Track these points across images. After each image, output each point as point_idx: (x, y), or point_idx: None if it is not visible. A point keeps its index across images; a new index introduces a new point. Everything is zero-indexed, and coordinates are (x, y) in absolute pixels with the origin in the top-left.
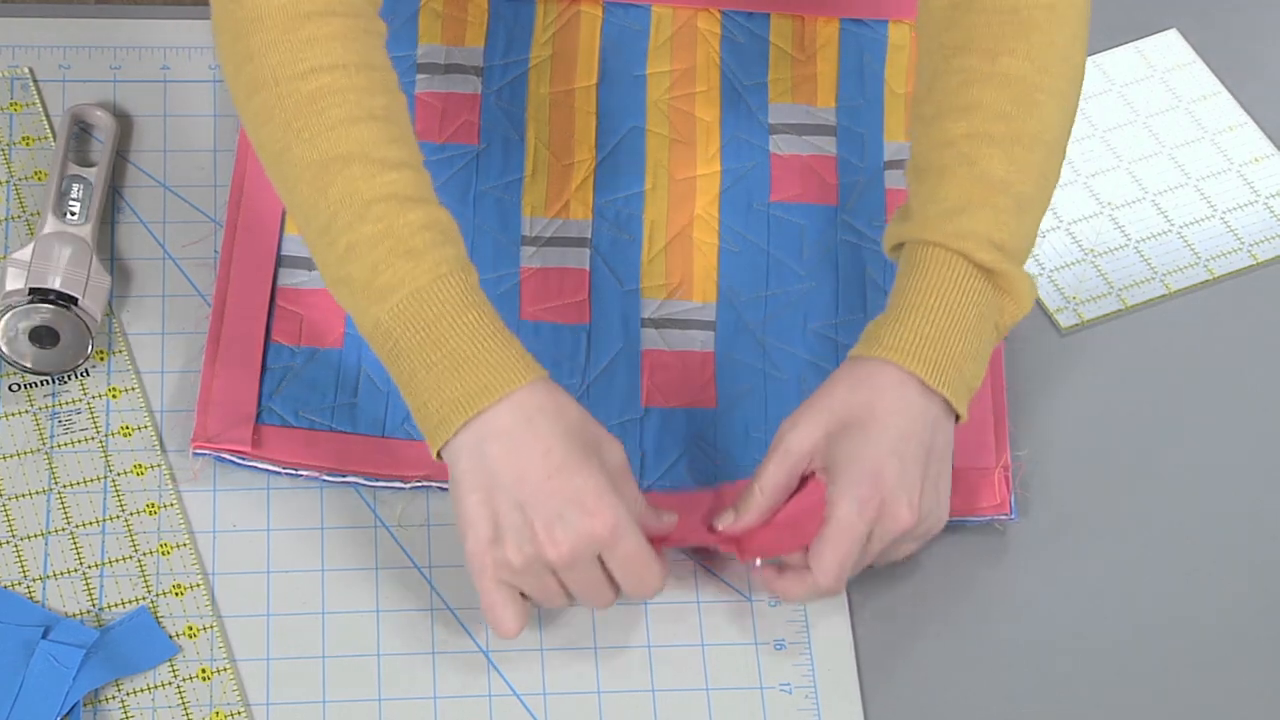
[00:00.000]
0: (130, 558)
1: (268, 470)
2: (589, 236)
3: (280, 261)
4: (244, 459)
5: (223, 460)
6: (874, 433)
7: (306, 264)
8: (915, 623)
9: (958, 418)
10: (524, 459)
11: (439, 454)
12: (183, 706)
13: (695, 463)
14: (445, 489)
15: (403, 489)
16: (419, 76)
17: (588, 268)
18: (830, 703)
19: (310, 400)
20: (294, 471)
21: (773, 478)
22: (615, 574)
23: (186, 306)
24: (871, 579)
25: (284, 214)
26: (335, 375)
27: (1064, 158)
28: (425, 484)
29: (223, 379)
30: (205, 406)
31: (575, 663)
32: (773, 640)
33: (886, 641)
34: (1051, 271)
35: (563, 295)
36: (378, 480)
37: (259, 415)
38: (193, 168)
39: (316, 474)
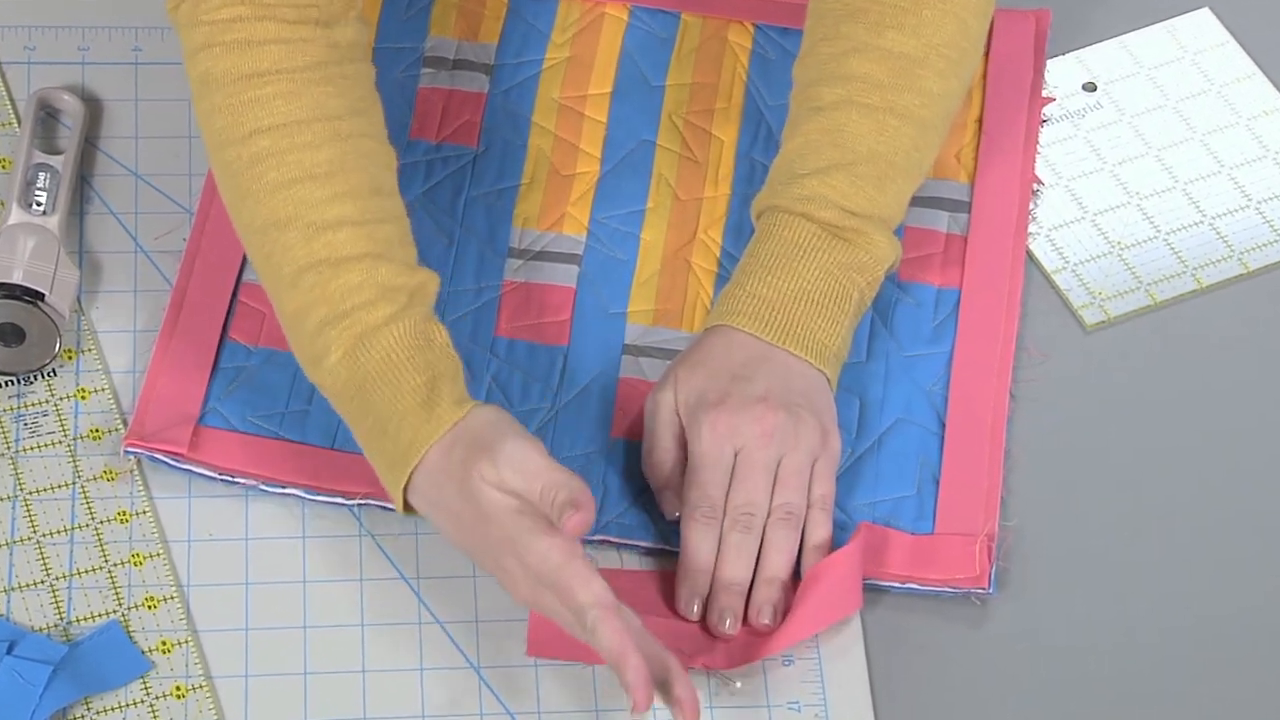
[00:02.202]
0: (100, 568)
1: (202, 475)
2: (580, 254)
3: (248, 257)
4: (178, 461)
5: (156, 461)
6: (713, 365)
7: None
8: (929, 634)
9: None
10: (443, 521)
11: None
12: None
13: (655, 504)
14: (389, 508)
15: (344, 505)
16: (424, 70)
17: (574, 286)
18: None
19: (260, 404)
20: (230, 478)
21: (658, 441)
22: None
23: (159, 302)
24: (883, 605)
25: None
26: (290, 380)
27: (943, 138)
28: (368, 502)
29: (170, 375)
30: (147, 403)
31: (571, 681)
32: (785, 702)
33: (900, 656)
34: (1076, 265)
35: (544, 313)
36: (319, 494)
37: (202, 416)
38: (166, 155)
39: (254, 482)
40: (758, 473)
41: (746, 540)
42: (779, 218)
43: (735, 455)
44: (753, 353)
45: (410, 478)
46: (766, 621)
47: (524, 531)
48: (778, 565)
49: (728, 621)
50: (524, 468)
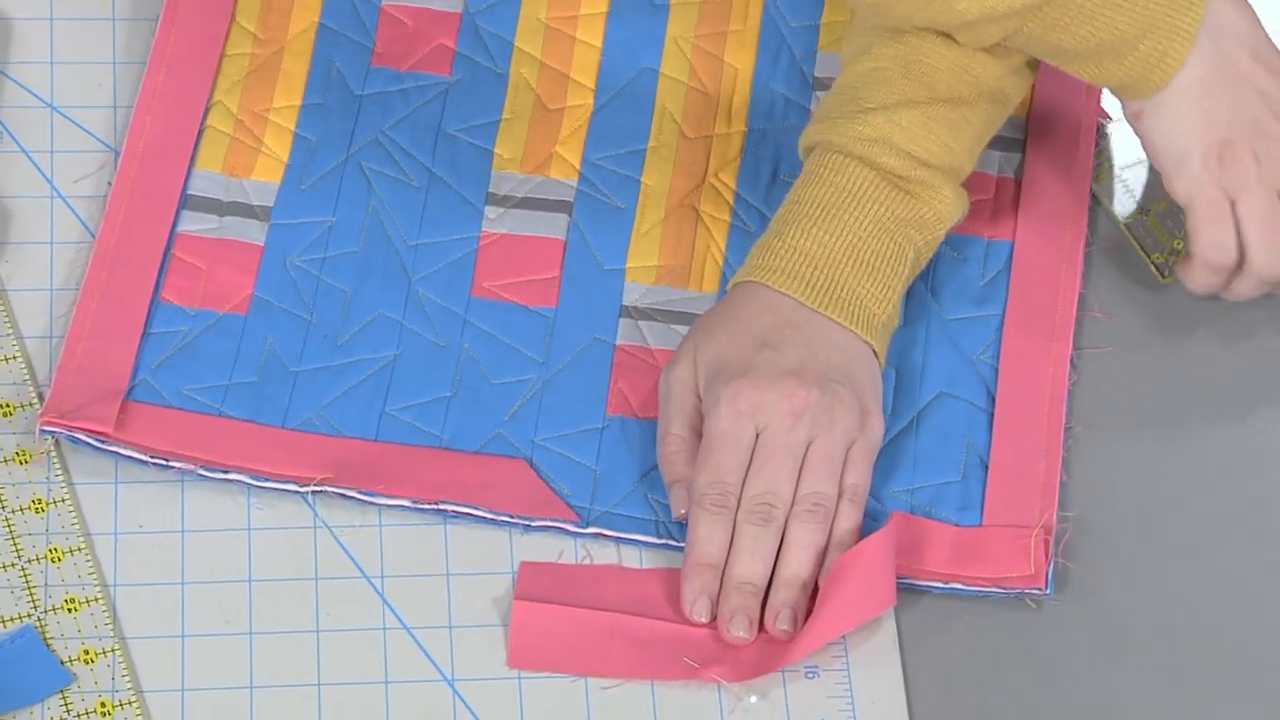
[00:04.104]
0: (13, 565)
1: (130, 459)
2: (570, 201)
3: (185, 202)
4: (102, 441)
5: (76, 442)
6: (737, 330)
7: (217, 206)
8: (975, 642)
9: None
10: None
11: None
12: None
13: (658, 490)
14: (350, 495)
15: (296, 493)
16: None
17: (563, 238)
18: None
19: (200, 376)
20: (163, 462)
21: (670, 427)
22: None
23: (80, 256)
24: (921, 607)
25: (198, 142)
26: (235, 348)
27: (1030, 83)
28: (325, 489)
29: (94, 342)
30: (66, 374)
31: (557, 696)
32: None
33: (941, 667)
34: (1150, 211)
35: (528, 270)
36: (267, 480)
37: (131, 390)
38: (87, 84)
39: (191, 467)
40: (781, 457)
41: (764, 534)
42: (832, 159)
43: (756, 436)
44: (786, 316)
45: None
46: (785, 628)
47: None
48: (800, 563)
49: (740, 626)
50: None
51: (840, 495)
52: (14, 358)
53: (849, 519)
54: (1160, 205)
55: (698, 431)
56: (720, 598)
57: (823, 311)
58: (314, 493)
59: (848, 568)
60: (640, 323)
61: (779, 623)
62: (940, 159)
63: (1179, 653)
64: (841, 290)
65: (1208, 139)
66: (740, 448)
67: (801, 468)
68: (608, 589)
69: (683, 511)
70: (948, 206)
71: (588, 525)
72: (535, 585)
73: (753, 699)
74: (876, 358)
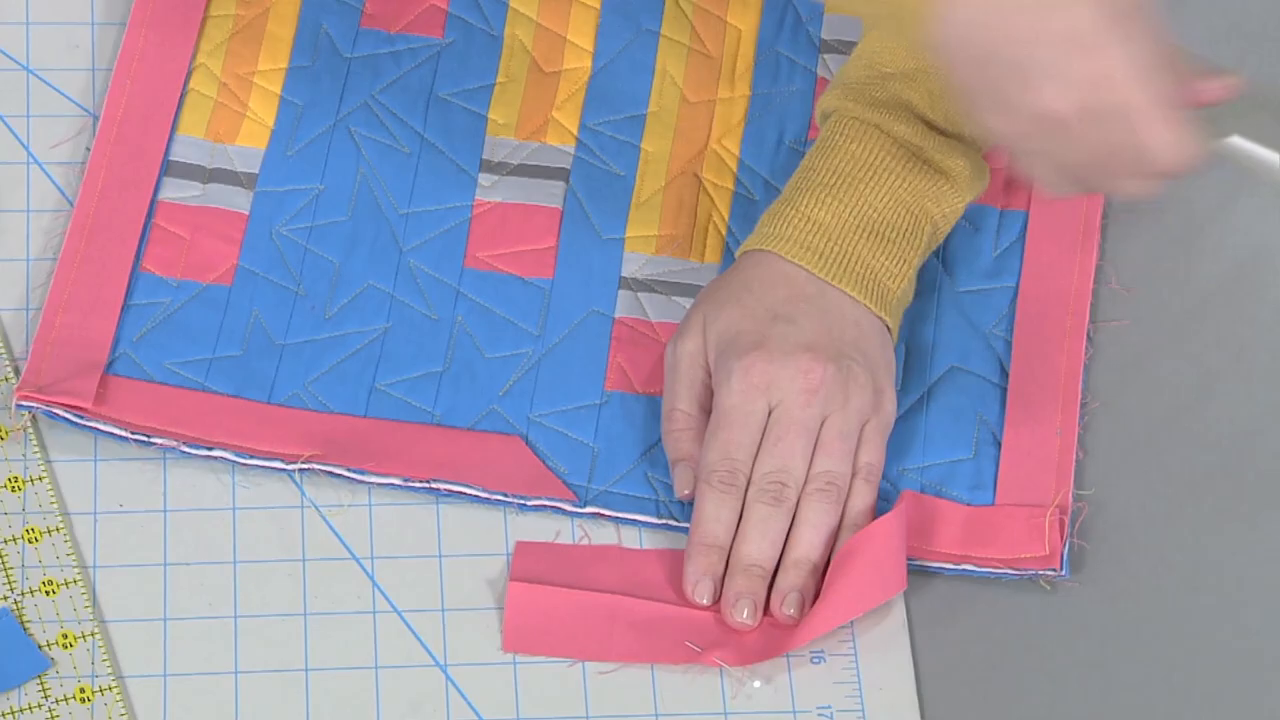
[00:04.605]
0: None
1: (110, 435)
2: (567, 168)
3: (166, 169)
4: (82, 417)
5: (54, 418)
6: (749, 302)
7: (201, 173)
8: (987, 626)
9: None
10: None
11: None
12: None
13: (658, 469)
14: (339, 474)
15: (283, 471)
16: None
17: (560, 207)
18: None
19: (182, 349)
20: (144, 439)
21: (676, 403)
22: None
23: (57, 225)
24: (931, 590)
25: (180, 106)
26: (219, 320)
27: None
28: (313, 466)
29: (72, 314)
30: (43, 347)
31: (555, 682)
32: (814, 706)
33: (952, 652)
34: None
35: (523, 240)
36: (252, 458)
37: (111, 364)
38: (65, 46)
39: (173, 443)
40: (795, 434)
41: (775, 514)
42: (848, 126)
43: (769, 412)
44: (800, 289)
45: None
46: (791, 613)
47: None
48: (810, 545)
49: (745, 610)
50: None
51: (854, 474)
52: None
53: (863, 498)
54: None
55: (705, 408)
56: (725, 580)
57: (836, 284)
58: (301, 471)
59: (856, 551)
60: (640, 295)
61: (785, 607)
62: (960, 127)
63: (1200, 638)
64: (855, 263)
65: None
66: (752, 424)
67: (815, 446)
68: (606, 570)
69: (687, 491)
70: (966, 180)
71: (586, 505)
72: (531, 566)
73: (756, 684)
74: (890, 333)
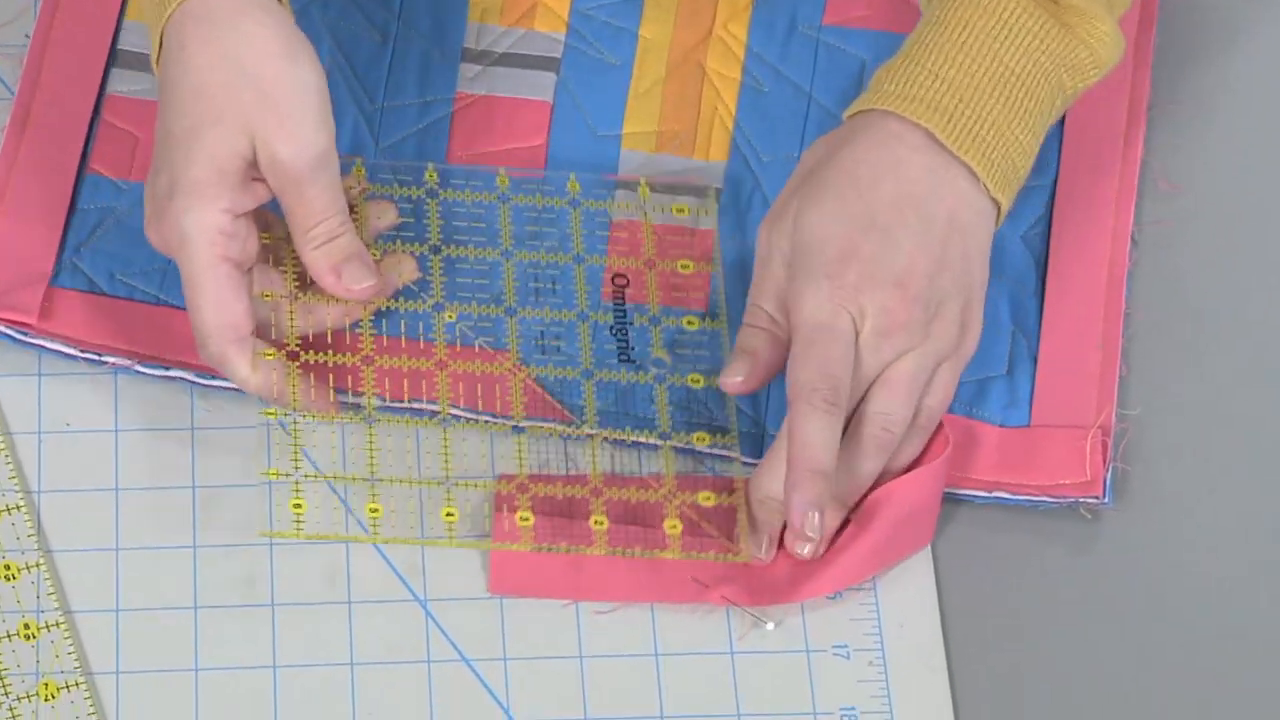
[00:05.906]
0: None
1: (58, 353)
2: (558, 57)
3: (115, 58)
4: (24, 333)
5: None
6: (849, 197)
7: (150, 64)
8: (1021, 558)
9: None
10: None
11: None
12: None
13: (674, 396)
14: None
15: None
16: None
17: (550, 100)
18: None
19: (133, 258)
20: (95, 356)
21: (760, 299)
22: None
23: None
24: (960, 520)
25: None
26: None
27: None
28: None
29: (12, 220)
30: None
31: (545, 620)
32: (830, 645)
33: (981, 587)
34: None
35: (511, 136)
36: (212, 378)
37: (56, 275)
38: None
39: (126, 362)
40: (861, 373)
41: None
42: None
43: (854, 326)
44: (909, 185)
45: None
46: (804, 554)
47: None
48: (844, 491)
49: (815, 520)
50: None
51: (916, 414)
52: None
53: (911, 447)
54: None
55: (785, 309)
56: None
57: (960, 155)
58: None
59: (889, 500)
60: (639, 195)
61: (799, 546)
62: None
63: (1252, 568)
64: (986, 130)
65: None
66: (844, 340)
67: (877, 380)
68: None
69: (739, 379)
70: (1106, 47)
71: (582, 425)
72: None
73: (769, 625)
74: (998, 219)
